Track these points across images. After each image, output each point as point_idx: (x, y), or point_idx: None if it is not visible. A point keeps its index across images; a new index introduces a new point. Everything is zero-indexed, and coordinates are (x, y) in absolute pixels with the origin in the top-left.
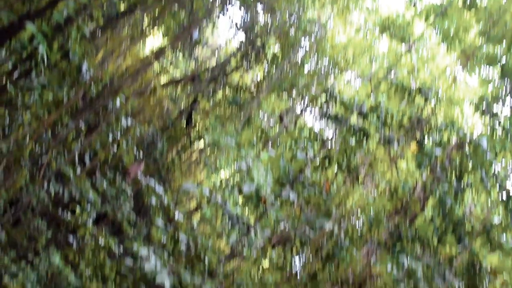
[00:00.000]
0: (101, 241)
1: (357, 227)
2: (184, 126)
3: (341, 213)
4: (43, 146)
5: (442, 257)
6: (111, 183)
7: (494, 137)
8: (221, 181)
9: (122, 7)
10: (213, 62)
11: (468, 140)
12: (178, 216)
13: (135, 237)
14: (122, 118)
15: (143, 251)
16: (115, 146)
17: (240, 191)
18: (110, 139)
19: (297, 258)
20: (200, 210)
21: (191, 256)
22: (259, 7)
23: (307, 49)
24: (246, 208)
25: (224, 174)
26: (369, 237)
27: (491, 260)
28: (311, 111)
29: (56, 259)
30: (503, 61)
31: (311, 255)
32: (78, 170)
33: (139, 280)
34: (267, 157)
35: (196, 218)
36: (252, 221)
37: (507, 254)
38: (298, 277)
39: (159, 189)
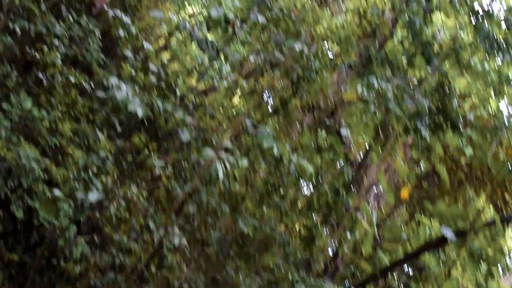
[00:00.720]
0: (72, 79)
1: (327, 51)
2: None
3: (311, 35)
4: None
5: (411, 79)
6: (77, 20)
7: None
8: (189, 16)
9: None
10: None
11: None
12: (146, 45)
13: (106, 76)
14: None
15: (114, 80)
16: None
17: (208, 27)
18: None
19: (268, 86)
20: (169, 48)
21: (162, 88)
22: None
23: None
24: (215, 35)
25: (192, 9)
26: (339, 61)
27: (460, 83)
28: None
29: (28, 103)
30: None
31: (281, 81)
32: (43, 6)
33: (112, 112)
34: None
35: (165, 56)
36: (221, 46)
37: (475, 77)
38: (270, 104)
39: (127, 19)
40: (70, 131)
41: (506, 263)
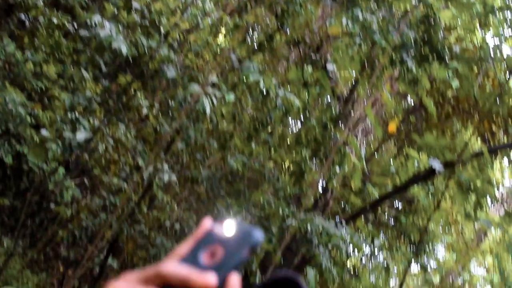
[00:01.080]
0: (55, 21)
1: None
2: None
3: None
4: None
5: (396, 11)
6: None
7: None
8: None
9: None
10: None
11: None
12: None
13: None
14: None
15: (97, 18)
16: None
17: None
18: None
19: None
20: None
21: (146, 26)
22: None
23: None
24: None
25: None
26: None
27: (445, 15)
28: None
29: (11, 47)
30: None
31: (265, 16)
32: None
33: (96, 51)
34: None
35: None
36: None
37: (460, 8)
38: (255, 40)
39: None
40: (55, 74)
41: (494, 194)
